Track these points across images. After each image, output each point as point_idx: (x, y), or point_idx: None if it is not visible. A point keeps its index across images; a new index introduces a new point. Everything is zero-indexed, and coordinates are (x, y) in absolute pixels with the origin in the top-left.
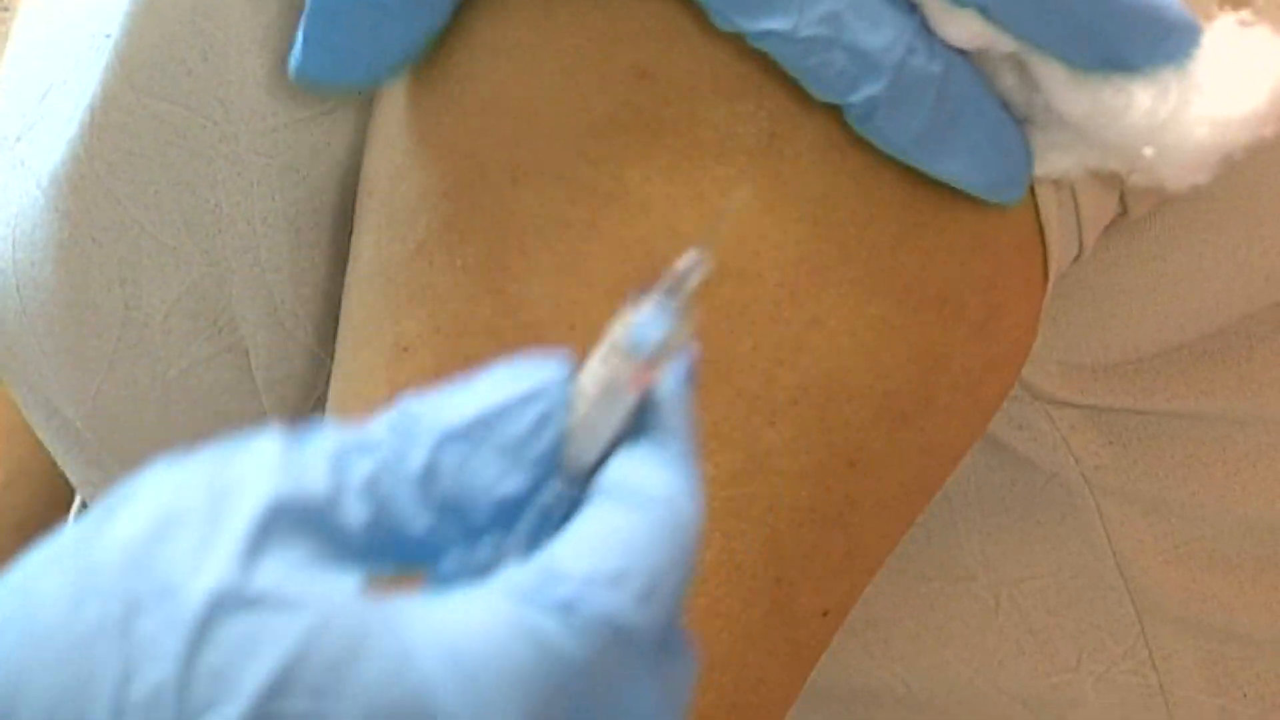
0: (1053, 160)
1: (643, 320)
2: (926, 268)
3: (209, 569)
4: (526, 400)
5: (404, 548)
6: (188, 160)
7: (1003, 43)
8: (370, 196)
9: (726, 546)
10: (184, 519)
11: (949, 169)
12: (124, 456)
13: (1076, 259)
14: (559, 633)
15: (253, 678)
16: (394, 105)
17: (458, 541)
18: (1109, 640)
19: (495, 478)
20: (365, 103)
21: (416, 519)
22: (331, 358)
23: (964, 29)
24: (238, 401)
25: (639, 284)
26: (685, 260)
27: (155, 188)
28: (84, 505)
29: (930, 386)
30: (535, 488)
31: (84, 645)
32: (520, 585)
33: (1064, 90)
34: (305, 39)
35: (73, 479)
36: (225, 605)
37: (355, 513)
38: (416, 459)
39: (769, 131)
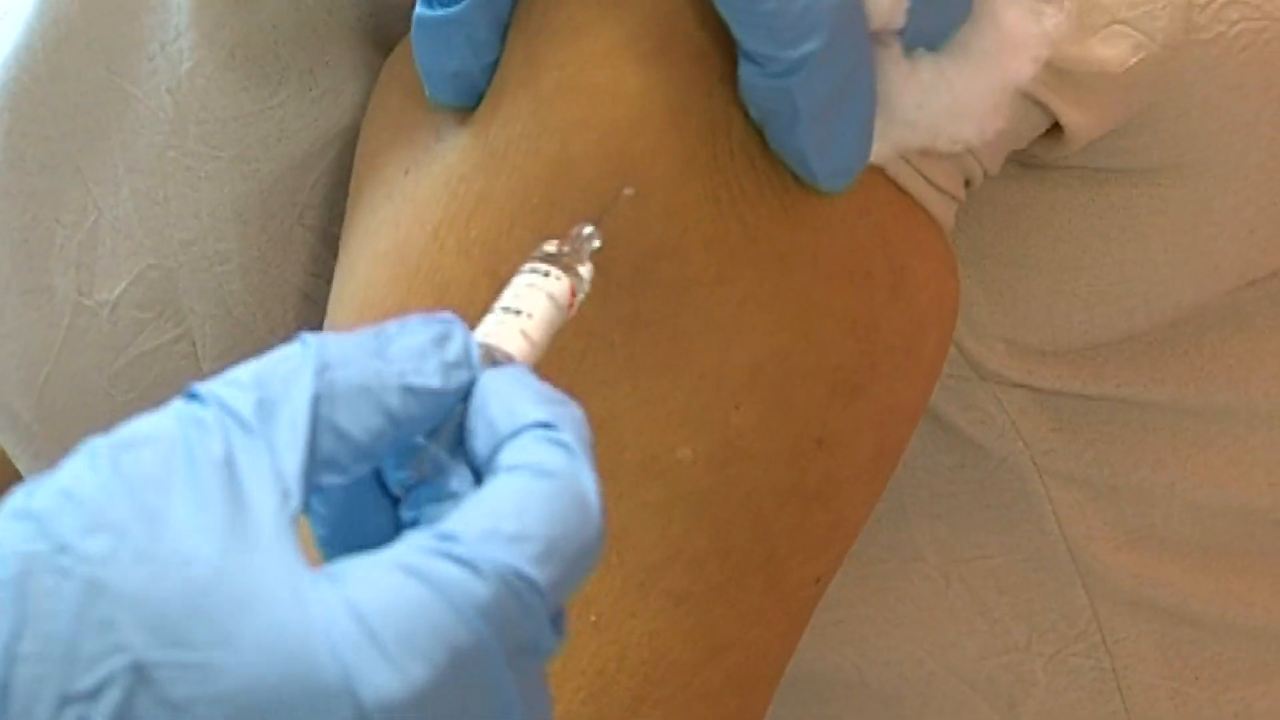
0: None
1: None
2: (821, 241)
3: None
4: (425, 323)
5: (342, 456)
6: (144, 149)
7: (899, 19)
8: (406, 175)
9: (717, 533)
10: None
11: (808, 145)
12: (71, 449)
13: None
14: (461, 579)
15: (138, 630)
16: (413, 91)
17: (390, 444)
18: (1061, 622)
19: (398, 372)
20: (319, 97)
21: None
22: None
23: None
24: None
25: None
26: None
27: (116, 172)
28: None
29: (870, 355)
30: (451, 395)
31: None
32: (419, 546)
33: (902, 77)
34: (422, 73)
35: (22, 471)
36: (119, 558)
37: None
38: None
39: (676, 103)
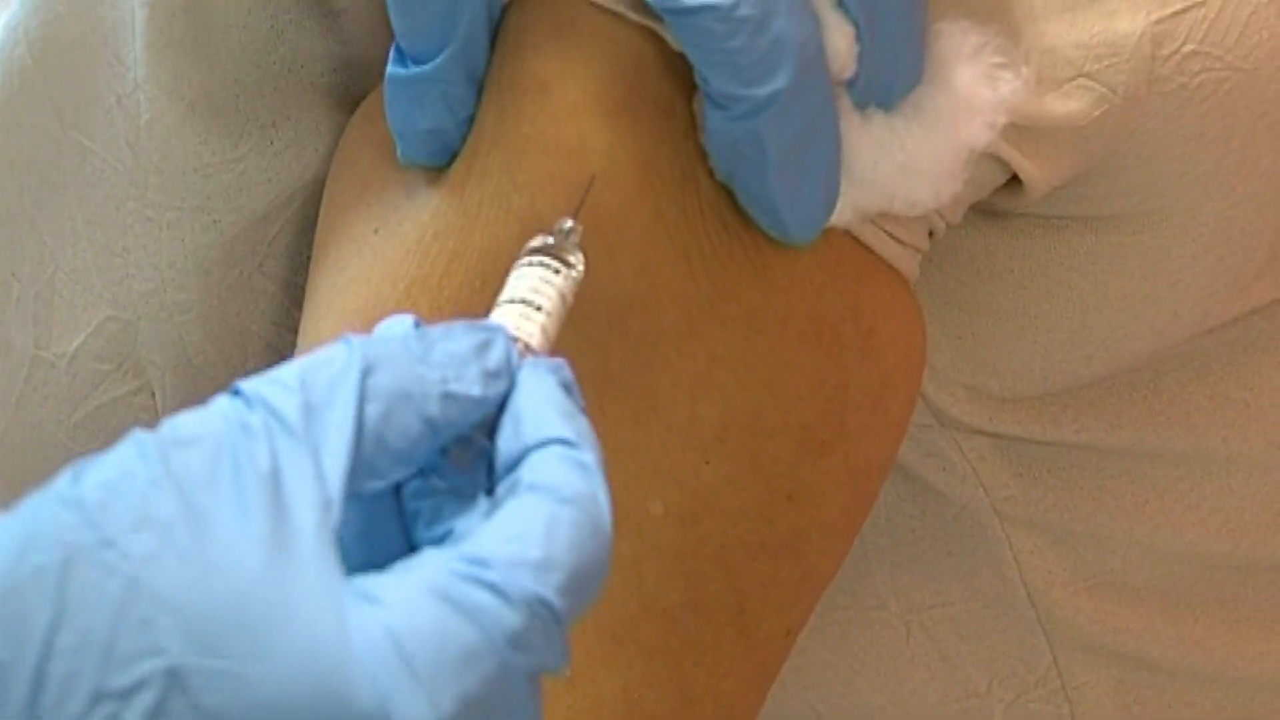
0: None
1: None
2: (790, 301)
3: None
4: (468, 329)
5: (382, 463)
6: (102, 201)
7: (851, 67)
8: (375, 234)
9: (690, 586)
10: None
11: (778, 191)
12: None
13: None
14: (492, 607)
15: (176, 633)
16: (383, 148)
17: (427, 449)
18: (1021, 668)
19: (440, 379)
20: (280, 150)
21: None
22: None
23: (846, 42)
24: None
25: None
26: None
27: (73, 224)
28: None
29: (838, 414)
30: (489, 402)
31: (21, 590)
32: (451, 570)
33: (855, 131)
34: (395, 132)
35: None
36: (163, 559)
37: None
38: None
39: (644, 158)
